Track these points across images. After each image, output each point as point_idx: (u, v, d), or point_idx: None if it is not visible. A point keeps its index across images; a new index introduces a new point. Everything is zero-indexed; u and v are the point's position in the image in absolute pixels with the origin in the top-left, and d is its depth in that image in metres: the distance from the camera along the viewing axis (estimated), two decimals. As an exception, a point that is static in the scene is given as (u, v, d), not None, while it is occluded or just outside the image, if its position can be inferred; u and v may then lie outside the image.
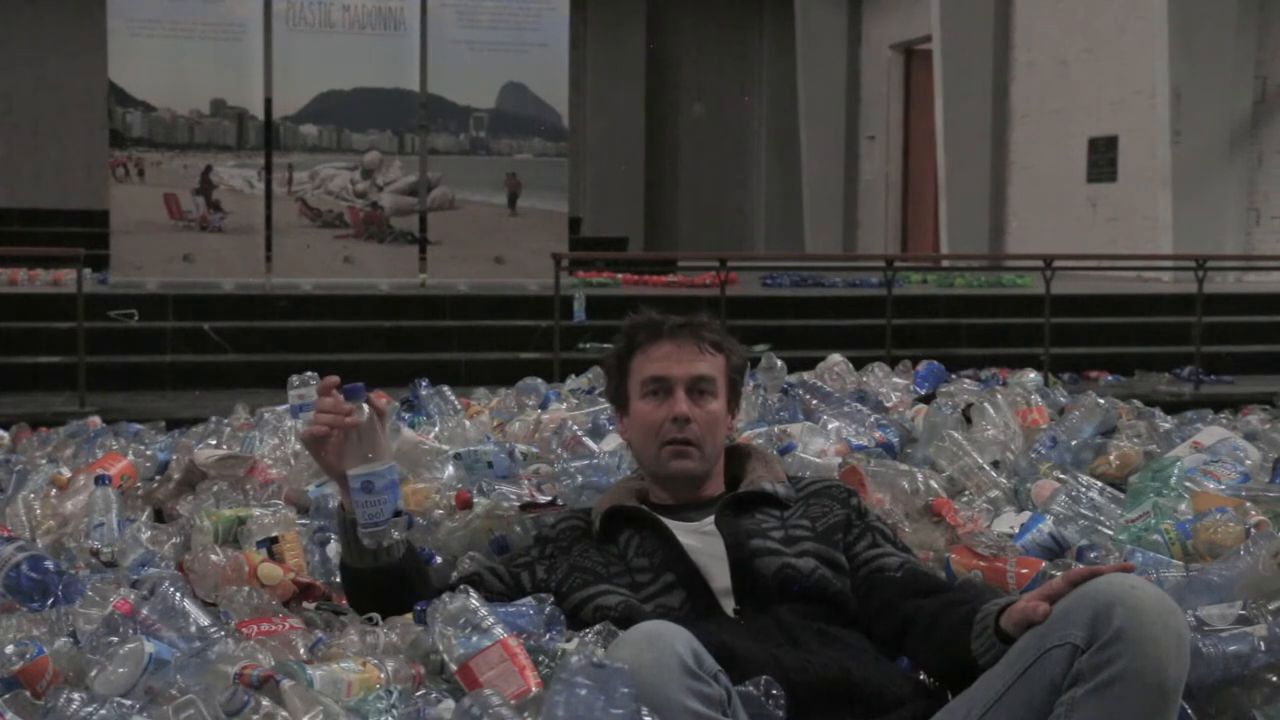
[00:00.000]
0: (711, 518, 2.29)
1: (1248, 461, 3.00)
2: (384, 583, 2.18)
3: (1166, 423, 3.64)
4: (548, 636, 2.00)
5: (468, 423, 3.58)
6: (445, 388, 4.08)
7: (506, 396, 4.16)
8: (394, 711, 1.75)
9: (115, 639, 1.89)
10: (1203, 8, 11.28)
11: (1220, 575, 2.15)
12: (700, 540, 2.25)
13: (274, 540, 2.47)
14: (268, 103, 9.82)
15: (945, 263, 12.46)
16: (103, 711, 1.69)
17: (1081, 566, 2.10)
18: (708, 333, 2.37)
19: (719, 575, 2.20)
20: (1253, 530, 2.37)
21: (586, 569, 2.26)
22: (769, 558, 2.20)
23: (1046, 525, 2.54)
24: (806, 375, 3.95)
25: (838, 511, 2.32)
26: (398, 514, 2.12)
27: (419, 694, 1.81)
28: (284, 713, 1.67)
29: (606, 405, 3.43)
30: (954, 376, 4.16)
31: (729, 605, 2.17)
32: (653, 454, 2.33)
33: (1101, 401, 3.45)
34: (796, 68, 17.19)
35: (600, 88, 16.91)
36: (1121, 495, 2.70)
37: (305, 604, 2.33)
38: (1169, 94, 11.53)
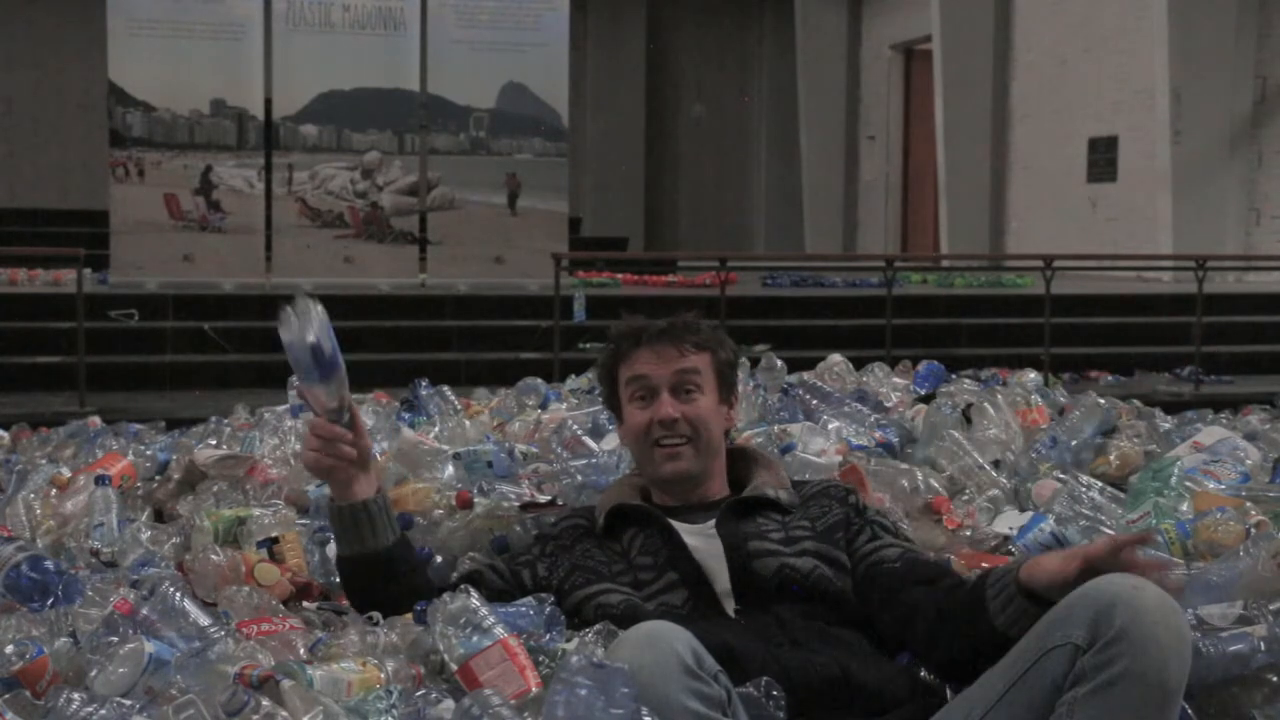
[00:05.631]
0: (713, 521, 2.28)
1: (1248, 461, 3.00)
2: (374, 569, 2.20)
3: (1166, 423, 3.64)
4: (548, 636, 2.00)
5: (468, 423, 3.57)
6: (445, 388, 4.06)
7: (506, 396, 4.15)
8: (394, 711, 1.75)
9: (115, 639, 1.88)
10: (1203, 8, 11.27)
11: (1220, 575, 2.15)
12: (702, 541, 2.25)
13: (274, 540, 2.47)
14: (268, 103, 9.81)
15: (945, 263, 12.45)
16: (103, 711, 1.69)
17: (1119, 535, 2.15)
18: (689, 334, 2.36)
19: (720, 577, 2.20)
20: (1253, 530, 2.37)
21: (588, 568, 2.26)
22: (767, 558, 2.20)
23: (1048, 525, 2.54)
24: (806, 375, 3.95)
25: (836, 510, 2.31)
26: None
27: (419, 694, 1.80)
28: (284, 713, 1.66)
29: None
30: (954, 376, 4.15)
31: (730, 606, 2.17)
32: (646, 457, 2.34)
33: (1101, 401, 3.45)
34: (796, 68, 17.17)
35: (600, 88, 16.90)
36: (1122, 495, 2.70)
37: (305, 603, 2.33)
38: (1169, 94, 11.52)
